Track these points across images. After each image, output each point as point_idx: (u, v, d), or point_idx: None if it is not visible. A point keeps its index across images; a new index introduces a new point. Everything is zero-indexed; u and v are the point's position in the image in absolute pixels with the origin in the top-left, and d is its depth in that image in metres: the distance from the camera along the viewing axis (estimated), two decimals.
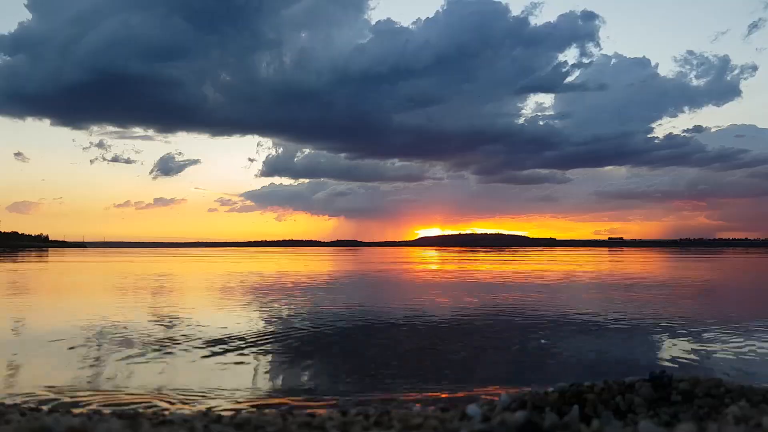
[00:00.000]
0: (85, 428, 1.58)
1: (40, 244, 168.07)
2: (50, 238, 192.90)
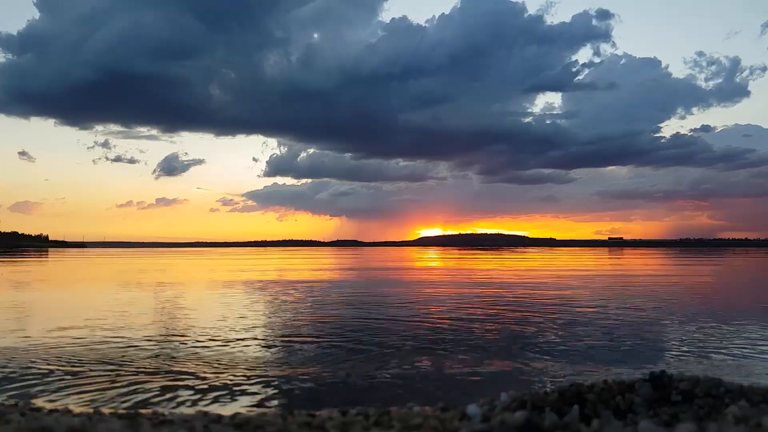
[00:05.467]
0: (85, 428, 1.58)
1: (39, 244, 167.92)
2: (50, 238, 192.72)
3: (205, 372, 4.40)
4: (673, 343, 5.77)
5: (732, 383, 1.77)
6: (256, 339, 5.93)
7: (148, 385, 3.97)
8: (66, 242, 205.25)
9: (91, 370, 4.43)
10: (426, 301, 10.00)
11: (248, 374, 4.35)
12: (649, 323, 7.13)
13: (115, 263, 29.34)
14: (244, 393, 3.82)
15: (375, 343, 5.77)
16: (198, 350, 5.29)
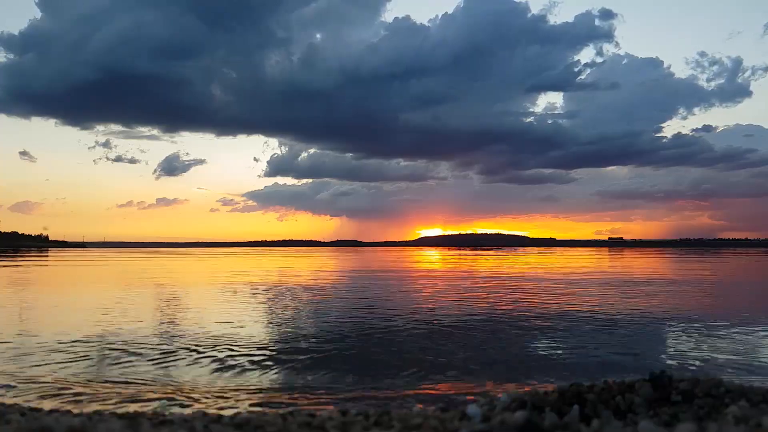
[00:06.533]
0: (85, 428, 1.58)
1: (39, 244, 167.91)
2: (50, 238, 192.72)
3: (204, 372, 4.40)
4: (674, 343, 5.77)
5: (732, 383, 1.77)
6: (255, 340, 5.93)
7: (148, 385, 3.97)
8: (66, 242, 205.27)
9: (91, 370, 4.43)
10: (426, 300, 10.01)
11: (248, 374, 4.35)
12: (649, 323, 7.13)
13: (116, 264, 29.36)
14: (243, 393, 3.82)
15: (375, 343, 5.77)
16: (197, 350, 5.28)
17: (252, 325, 6.95)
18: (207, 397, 3.67)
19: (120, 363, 4.72)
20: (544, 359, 4.98)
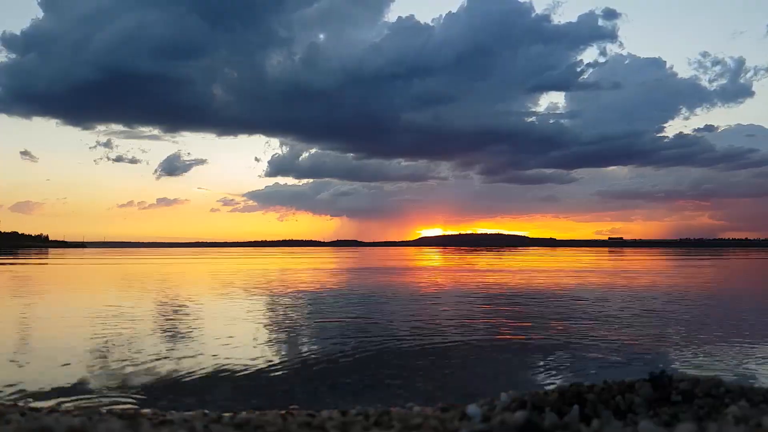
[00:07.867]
0: (85, 428, 1.58)
1: (39, 245, 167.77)
2: (50, 239, 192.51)
3: (204, 372, 4.40)
4: (673, 343, 5.77)
5: (732, 383, 1.77)
6: (255, 340, 5.93)
7: (149, 385, 3.97)
8: (66, 242, 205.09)
9: (93, 370, 4.43)
10: (427, 300, 10.01)
11: (248, 374, 4.35)
12: (649, 323, 7.13)
13: (117, 266, 29.36)
14: (244, 393, 3.82)
15: (375, 343, 5.77)
16: (198, 350, 5.29)
17: (251, 327, 6.95)
18: (207, 397, 3.67)
19: (120, 365, 4.72)
20: (544, 361, 4.97)
